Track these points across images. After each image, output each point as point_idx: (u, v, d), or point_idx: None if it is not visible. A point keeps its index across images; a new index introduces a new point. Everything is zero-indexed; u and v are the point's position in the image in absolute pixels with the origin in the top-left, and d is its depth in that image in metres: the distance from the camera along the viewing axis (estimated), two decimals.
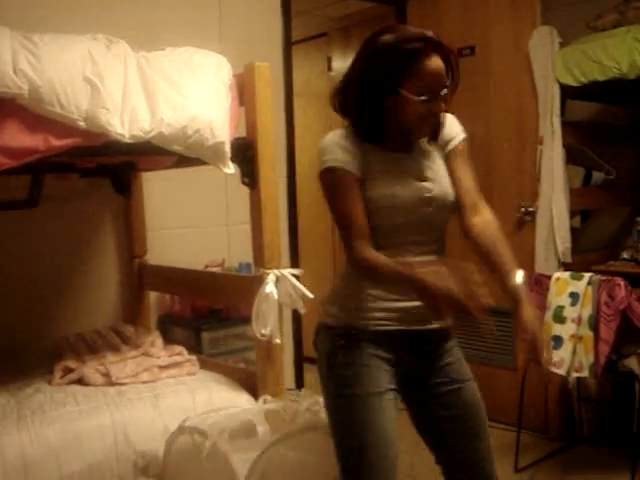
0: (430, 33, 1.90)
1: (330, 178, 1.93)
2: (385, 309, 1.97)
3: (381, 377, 1.96)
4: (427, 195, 1.97)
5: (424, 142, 2.05)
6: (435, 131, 2.03)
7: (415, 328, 1.99)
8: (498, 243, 1.96)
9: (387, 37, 1.90)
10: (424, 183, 1.98)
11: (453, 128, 2.08)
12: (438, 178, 2.01)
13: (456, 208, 2.03)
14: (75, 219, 3.47)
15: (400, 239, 1.97)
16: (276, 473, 2.23)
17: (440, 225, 2.03)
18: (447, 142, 2.07)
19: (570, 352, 3.36)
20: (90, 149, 2.41)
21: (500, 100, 4.15)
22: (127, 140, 2.39)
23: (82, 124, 2.31)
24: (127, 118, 2.39)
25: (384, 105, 1.92)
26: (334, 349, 2.00)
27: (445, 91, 1.90)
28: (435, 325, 2.00)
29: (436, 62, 1.88)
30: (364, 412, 1.92)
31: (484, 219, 2.00)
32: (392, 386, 1.98)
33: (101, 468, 2.43)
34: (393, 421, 1.95)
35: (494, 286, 1.85)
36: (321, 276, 5.57)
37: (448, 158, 2.06)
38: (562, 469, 3.69)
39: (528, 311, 1.86)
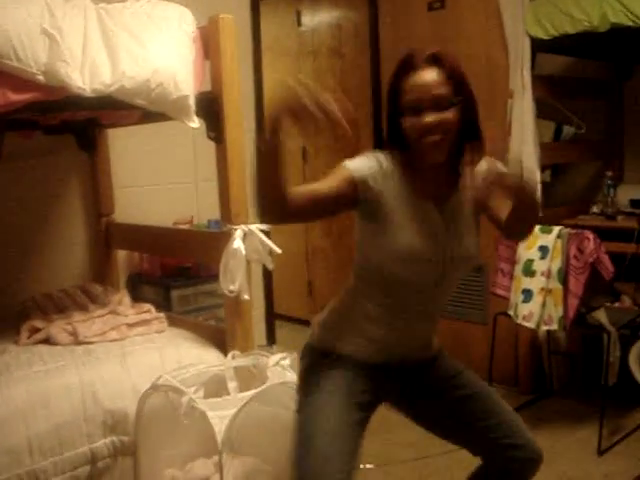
0: (430, 49, 1.85)
1: (339, 170, 1.85)
2: (372, 344, 1.97)
3: (354, 398, 1.94)
4: (446, 256, 1.92)
5: (460, 194, 1.95)
6: (457, 162, 1.92)
7: (399, 361, 2.01)
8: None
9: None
10: (447, 244, 1.91)
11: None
12: (461, 238, 1.95)
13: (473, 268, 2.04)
14: (40, 178, 3.41)
15: (404, 290, 1.94)
16: (250, 427, 2.24)
17: (452, 283, 2.01)
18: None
19: (540, 305, 3.38)
20: (51, 104, 2.36)
21: (470, 53, 4.10)
22: (88, 94, 2.34)
23: (41, 78, 2.25)
24: (87, 72, 2.33)
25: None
26: (312, 366, 1.99)
27: (440, 105, 1.80)
28: (421, 356, 2.04)
29: (423, 75, 1.81)
30: (322, 412, 1.90)
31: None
32: (363, 411, 1.95)
33: (69, 428, 2.42)
34: (348, 434, 1.90)
35: None
36: (292, 232, 5.57)
37: (485, 206, 1.96)
38: (532, 421, 3.73)
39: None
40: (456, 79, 1.84)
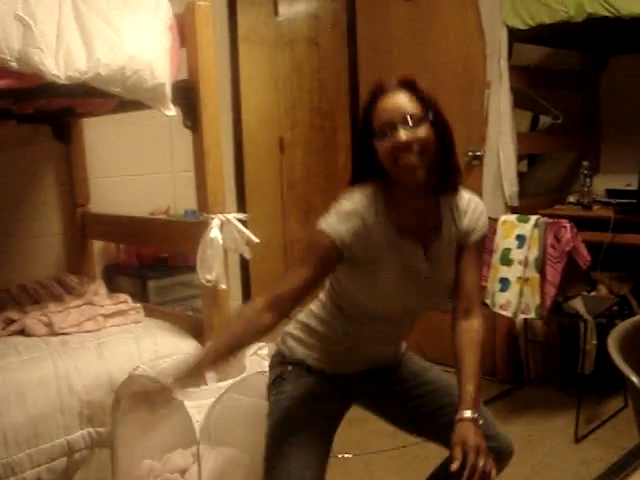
0: (398, 76, 1.87)
1: (318, 238, 1.84)
2: (339, 357, 2.02)
3: (323, 402, 1.99)
4: (423, 293, 1.97)
5: (445, 229, 1.95)
6: (441, 183, 1.91)
7: (368, 370, 2.06)
8: (468, 353, 1.94)
9: None
10: (426, 282, 1.94)
11: (474, 220, 2.00)
12: (441, 274, 1.98)
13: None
14: (14, 167, 3.38)
15: (377, 320, 1.98)
16: (228, 417, 2.23)
17: (423, 312, 2.09)
18: (467, 233, 1.99)
19: (517, 294, 3.39)
20: (25, 91, 2.33)
21: (447, 44, 4.11)
22: (63, 81, 2.30)
23: (14, 65, 2.21)
24: (62, 59, 2.30)
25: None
26: (282, 374, 2.03)
27: (413, 122, 1.79)
28: (387, 362, 2.09)
29: (392, 98, 1.82)
30: (294, 431, 1.92)
31: (470, 324, 1.99)
32: (332, 412, 2.02)
33: (45, 419, 2.40)
34: (323, 451, 1.95)
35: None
36: (269, 221, 5.56)
37: (461, 249, 1.99)
38: (509, 410, 3.75)
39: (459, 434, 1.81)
40: (427, 101, 1.84)
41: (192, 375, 1.89)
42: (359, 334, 1.99)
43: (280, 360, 2.06)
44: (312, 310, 2.05)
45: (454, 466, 1.71)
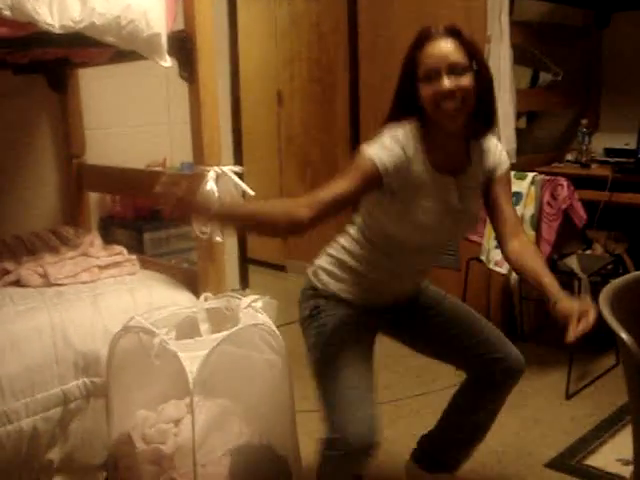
0: (445, 23, 1.95)
1: (362, 162, 1.94)
2: (367, 293, 2.17)
3: (359, 330, 2.15)
4: (454, 225, 2.11)
5: (472, 165, 2.09)
6: (477, 129, 2.05)
7: (392, 304, 2.24)
8: (537, 264, 2.02)
9: None
10: (457, 215, 2.08)
11: (497, 156, 2.14)
12: (470, 208, 2.11)
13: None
14: (9, 118, 3.34)
15: (406, 252, 2.11)
16: (222, 369, 2.24)
17: (449, 244, 2.35)
18: (491, 170, 2.13)
19: None
20: (18, 40, 2.29)
21: None
22: (57, 31, 2.26)
23: (7, 13, 2.17)
24: (56, 7, 2.25)
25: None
26: (315, 309, 2.17)
27: (457, 71, 1.90)
28: (412, 294, 2.28)
29: (439, 45, 1.92)
30: (342, 355, 2.08)
31: (521, 242, 2.08)
32: (369, 338, 2.19)
33: (40, 370, 2.40)
34: (370, 369, 2.12)
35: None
36: (267, 174, 5.56)
37: (490, 185, 2.13)
38: None
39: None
40: (471, 50, 1.94)
41: (215, 215, 1.91)
42: (389, 267, 2.14)
43: (313, 294, 2.20)
44: (343, 245, 2.19)
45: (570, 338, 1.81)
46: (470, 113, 1.96)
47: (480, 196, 2.14)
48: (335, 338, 2.10)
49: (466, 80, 1.91)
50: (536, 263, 2.01)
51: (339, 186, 1.89)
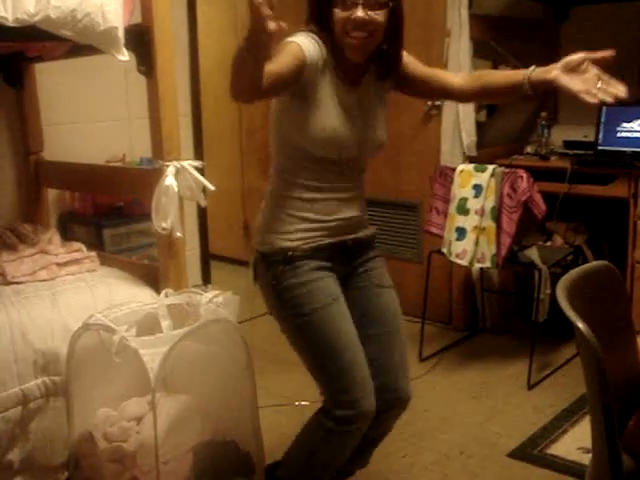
0: None
1: (288, 46, 1.90)
2: (313, 228, 2.08)
3: (329, 285, 2.09)
4: (363, 136, 2.06)
5: (373, 79, 2.09)
6: (387, 66, 2.07)
7: (342, 239, 2.13)
8: (490, 74, 2.15)
9: None
10: (360, 127, 2.05)
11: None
12: (377, 122, 2.10)
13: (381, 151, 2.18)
14: None
15: (326, 170, 2.06)
16: (184, 365, 2.23)
17: (365, 163, 2.17)
18: (403, 74, 2.14)
19: (473, 243, 3.42)
20: None
21: None
22: (11, 24, 2.22)
23: None
24: (10, 0, 2.22)
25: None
26: (276, 276, 2.08)
27: (373, 4, 1.89)
28: (360, 234, 2.18)
29: None
30: (328, 323, 2.04)
31: (463, 75, 2.20)
32: (339, 290, 2.11)
33: None
34: (352, 323, 2.09)
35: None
36: (228, 170, 5.53)
37: (411, 76, 2.15)
38: (464, 357, 3.81)
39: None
40: None
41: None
42: (318, 188, 2.07)
43: (263, 263, 2.12)
44: (270, 193, 2.15)
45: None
46: (374, 51, 1.99)
47: (385, 114, 2.14)
48: (314, 300, 2.04)
49: (379, 16, 1.90)
50: (489, 73, 2.11)
51: (276, 66, 1.80)
